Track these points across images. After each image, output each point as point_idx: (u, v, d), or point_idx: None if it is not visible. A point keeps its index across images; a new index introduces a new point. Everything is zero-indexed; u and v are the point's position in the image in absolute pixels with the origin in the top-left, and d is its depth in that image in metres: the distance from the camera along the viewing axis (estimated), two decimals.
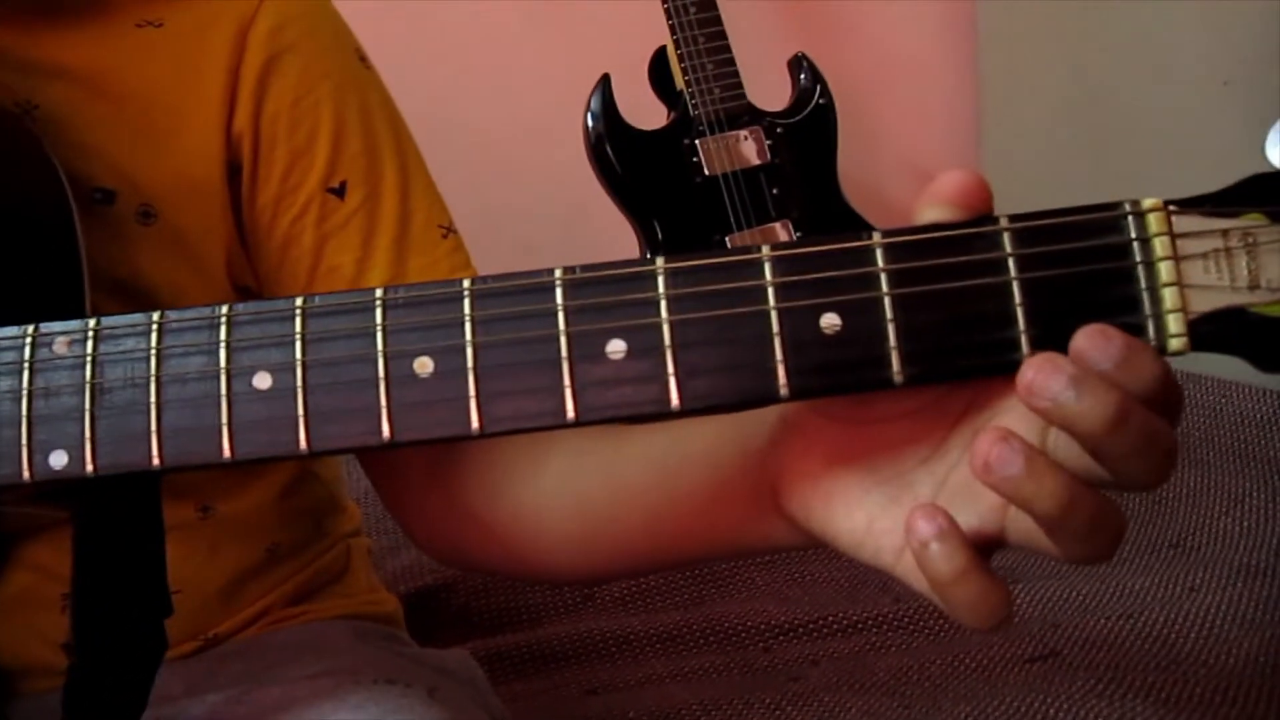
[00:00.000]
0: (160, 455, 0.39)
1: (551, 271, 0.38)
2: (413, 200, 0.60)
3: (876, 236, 0.36)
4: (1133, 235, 0.36)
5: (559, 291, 0.38)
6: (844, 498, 0.40)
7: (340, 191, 0.58)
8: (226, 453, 0.39)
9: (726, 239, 1.36)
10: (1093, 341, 0.33)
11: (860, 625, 0.92)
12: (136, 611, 0.49)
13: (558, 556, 0.53)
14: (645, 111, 1.39)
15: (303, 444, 0.38)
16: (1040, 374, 0.33)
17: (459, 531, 0.57)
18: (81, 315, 0.50)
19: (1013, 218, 0.36)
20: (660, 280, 0.37)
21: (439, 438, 0.38)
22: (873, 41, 1.64)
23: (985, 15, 1.67)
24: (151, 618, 0.50)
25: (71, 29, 0.56)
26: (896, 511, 0.39)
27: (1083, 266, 0.36)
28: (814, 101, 1.41)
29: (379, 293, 0.39)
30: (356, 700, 0.55)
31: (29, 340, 0.40)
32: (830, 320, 0.36)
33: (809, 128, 1.41)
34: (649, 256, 1.20)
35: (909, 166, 1.66)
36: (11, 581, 0.56)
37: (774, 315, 0.36)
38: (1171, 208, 0.36)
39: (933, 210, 0.36)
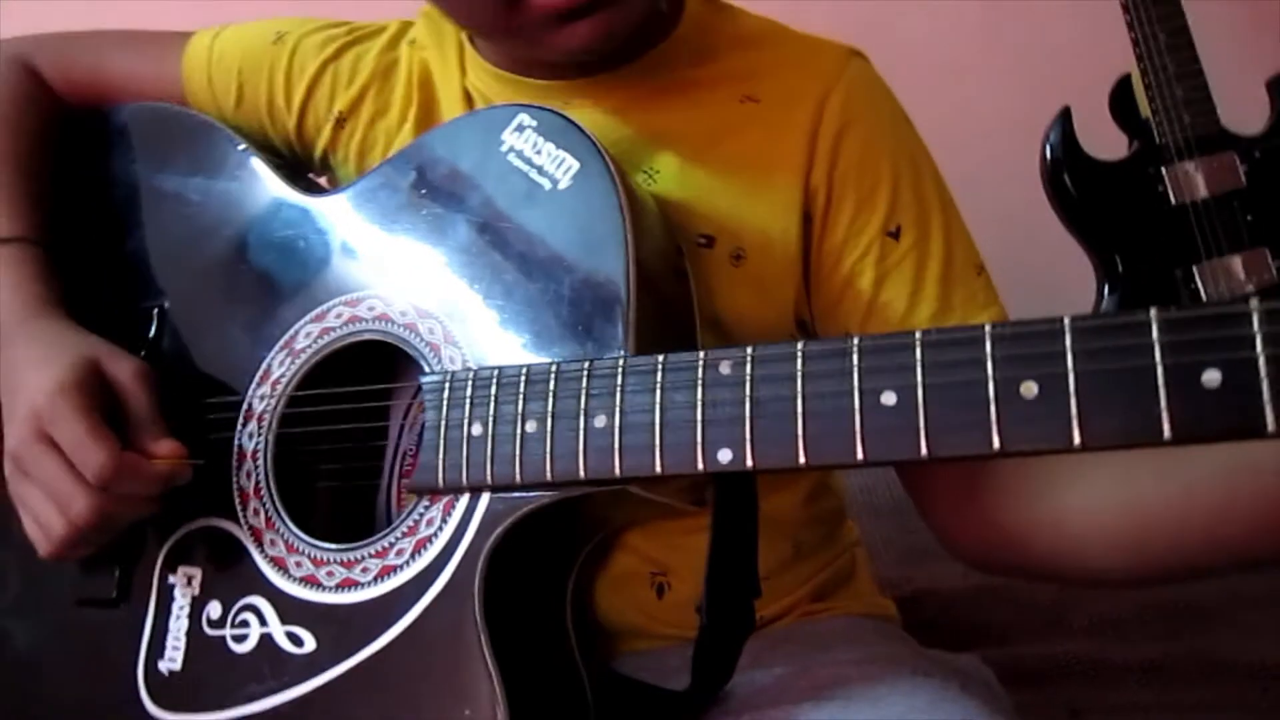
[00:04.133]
0: (806, 455, 0.49)
1: (1148, 310, 0.44)
2: (954, 242, 0.68)
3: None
4: None
5: (1155, 328, 0.43)
6: None
7: (896, 234, 0.67)
8: (860, 455, 0.48)
9: (1194, 268, 1.32)
10: None
11: None
12: (741, 590, 0.60)
13: (1107, 558, 0.57)
14: (1104, 142, 1.38)
15: (924, 450, 0.47)
16: None
17: (993, 538, 0.63)
18: (693, 342, 0.63)
19: None
20: None
21: (1042, 450, 0.45)
22: None
23: None
24: (747, 596, 0.61)
25: (686, 102, 0.69)
26: None
27: None
28: None
29: (988, 328, 0.46)
30: (905, 688, 0.61)
31: (701, 363, 0.52)
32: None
33: None
34: (1106, 291, 1.20)
35: None
36: (616, 563, 0.68)
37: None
38: None
39: None
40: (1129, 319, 0.44)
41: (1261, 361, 0.41)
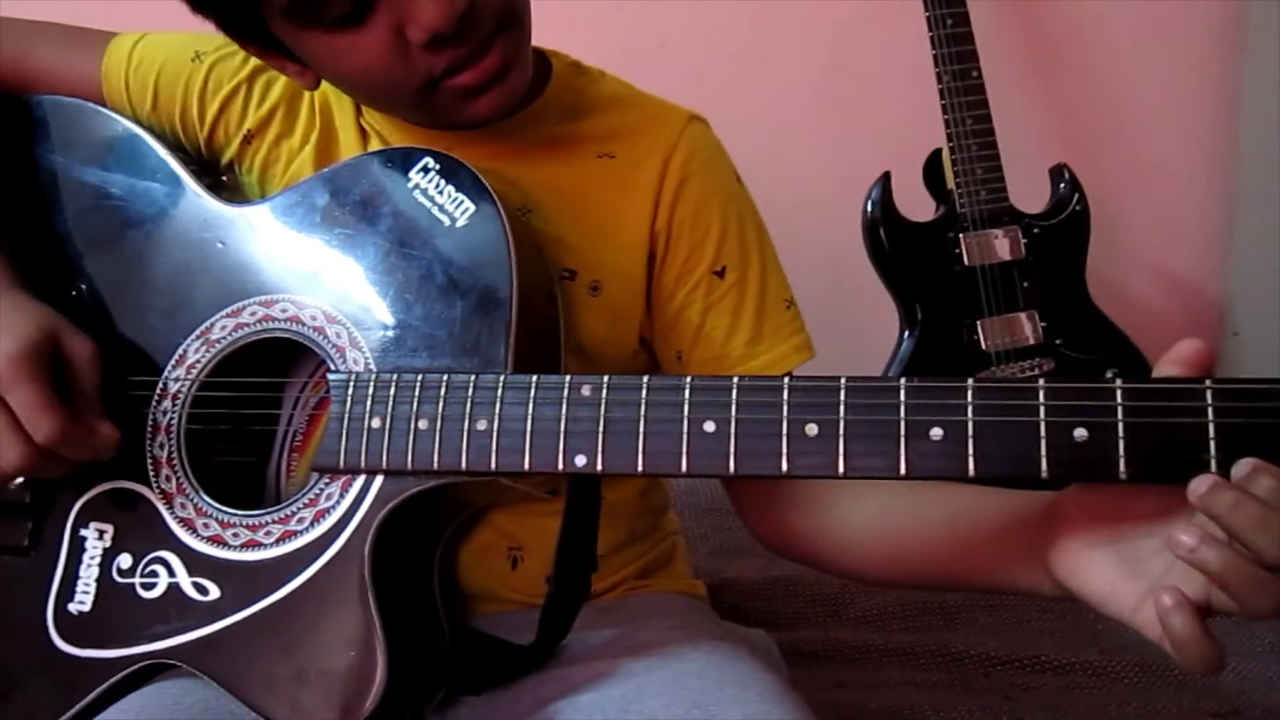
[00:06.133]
0: (644, 465, 0.63)
1: (899, 379, 0.60)
2: (768, 282, 0.83)
3: (1119, 383, 0.55)
4: None
5: (903, 392, 0.60)
6: (1097, 567, 0.58)
7: (721, 274, 0.81)
8: (684, 468, 0.62)
9: (978, 323, 1.54)
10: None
11: (1068, 667, 1.09)
12: (582, 565, 0.74)
13: (862, 566, 0.75)
14: (915, 205, 1.59)
15: (731, 469, 0.62)
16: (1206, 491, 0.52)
17: (787, 534, 0.80)
18: (558, 362, 0.77)
19: (1215, 380, 0.54)
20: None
21: (817, 476, 0.61)
22: (1132, 152, 1.77)
23: (1247, 128, 1.75)
24: (587, 571, 0.75)
25: (553, 156, 0.82)
26: (1135, 583, 0.56)
27: (1262, 420, 0.53)
28: (1070, 208, 1.57)
29: (786, 380, 0.62)
30: (707, 646, 0.75)
31: (567, 385, 0.65)
32: (1080, 433, 0.56)
33: (1063, 231, 1.57)
34: (907, 334, 1.44)
35: (1155, 268, 1.78)
36: (478, 536, 0.81)
37: (1042, 425, 0.57)
38: None
39: (1170, 367, 0.54)
40: (884, 383, 0.60)
41: (971, 426, 0.58)
